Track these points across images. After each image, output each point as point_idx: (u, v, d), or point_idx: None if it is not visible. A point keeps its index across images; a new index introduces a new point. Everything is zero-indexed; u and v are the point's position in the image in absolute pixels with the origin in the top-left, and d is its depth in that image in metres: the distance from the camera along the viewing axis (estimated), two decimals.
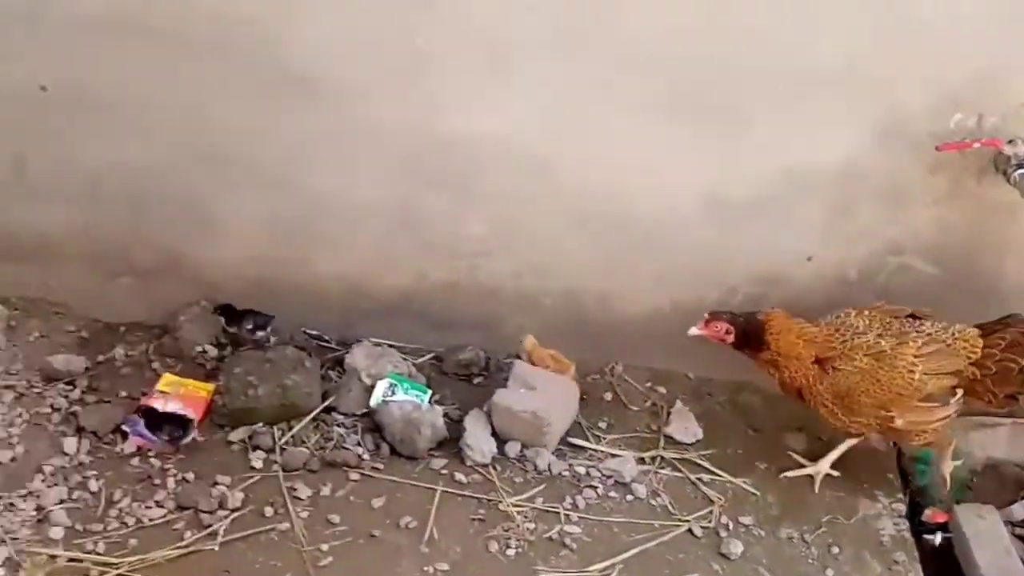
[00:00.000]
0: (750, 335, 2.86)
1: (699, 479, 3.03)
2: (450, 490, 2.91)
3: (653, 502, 2.96)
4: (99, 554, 2.61)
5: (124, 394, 3.14)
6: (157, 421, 2.98)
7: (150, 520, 2.72)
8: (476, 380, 3.35)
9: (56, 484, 2.79)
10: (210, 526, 2.71)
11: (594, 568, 2.75)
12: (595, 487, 2.98)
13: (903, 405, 2.81)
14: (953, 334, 2.82)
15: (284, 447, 3.00)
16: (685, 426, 3.20)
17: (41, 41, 2.96)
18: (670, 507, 2.94)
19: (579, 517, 2.88)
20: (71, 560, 2.58)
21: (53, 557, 2.58)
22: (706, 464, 3.09)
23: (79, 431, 2.96)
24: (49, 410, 3.04)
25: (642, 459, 3.09)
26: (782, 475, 3.08)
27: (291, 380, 3.09)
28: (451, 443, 3.06)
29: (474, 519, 2.84)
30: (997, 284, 3.19)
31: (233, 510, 2.77)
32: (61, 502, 2.74)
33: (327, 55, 2.92)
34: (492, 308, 3.36)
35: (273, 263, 3.35)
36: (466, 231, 3.23)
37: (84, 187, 3.21)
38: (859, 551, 2.91)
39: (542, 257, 3.27)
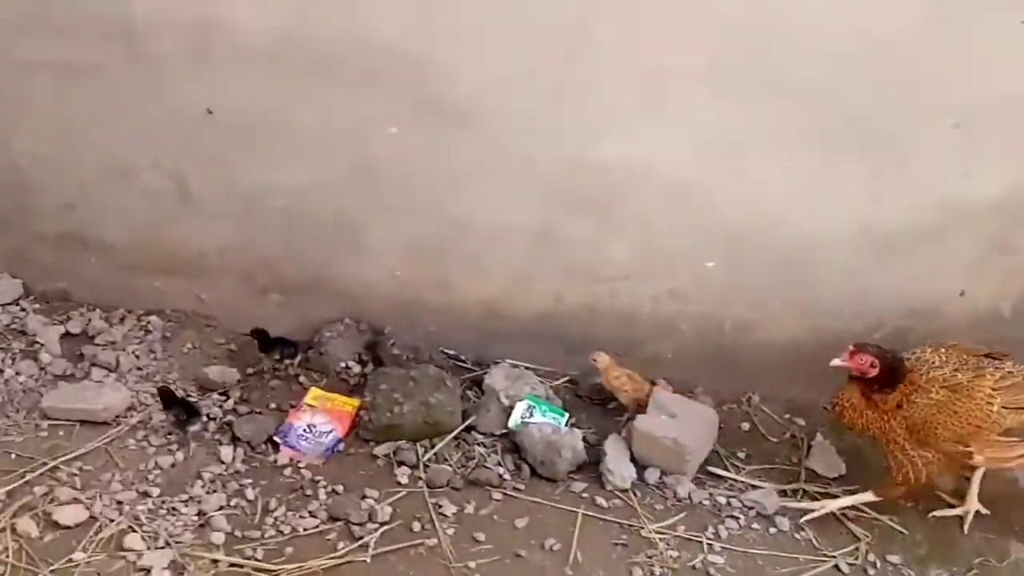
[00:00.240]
0: (894, 375, 2.79)
1: (844, 515, 2.97)
2: (591, 514, 2.93)
3: (797, 536, 2.91)
4: (258, 560, 2.70)
5: (274, 406, 3.26)
6: (172, 402, 3.11)
7: (304, 529, 2.81)
8: (611, 405, 3.36)
9: (215, 491, 2.91)
10: (361, 538, 2.78)
11: None
12: (737, 518, 2.95)
13: (982, 439, 2.74)
14: None
15: (427, 464, 3.06)
16: (827, 460, 3.15)
17: (209, 69, 3.12)
18: (815, 542, 2.90)
19: (722, 547, 2.86)
20: (232, 565, 2.68)
21: (215, 561, 2.69)
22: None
23: (234, 440, 3.08)
24: (205, 419, 3.17)
25: (784, 492, 3.05)
26: (931, 515, 3.00)
27: (434, 398, 3.15)
28: (590, 467, 3.08)
29: (616, 544, 2.85)
30: None
31: (382, 523, 2.84)
32: (220, 508, 2.85)
33: (481, 84, 3.00)
34: (628, 332, 3.37)
35: (415, 283, 3.44)
36: (607, 256, 3.26)
37: (241, 206, 3.36)
38: None
39: (681, 283, 3.27)
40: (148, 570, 2.63)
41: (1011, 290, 3.10)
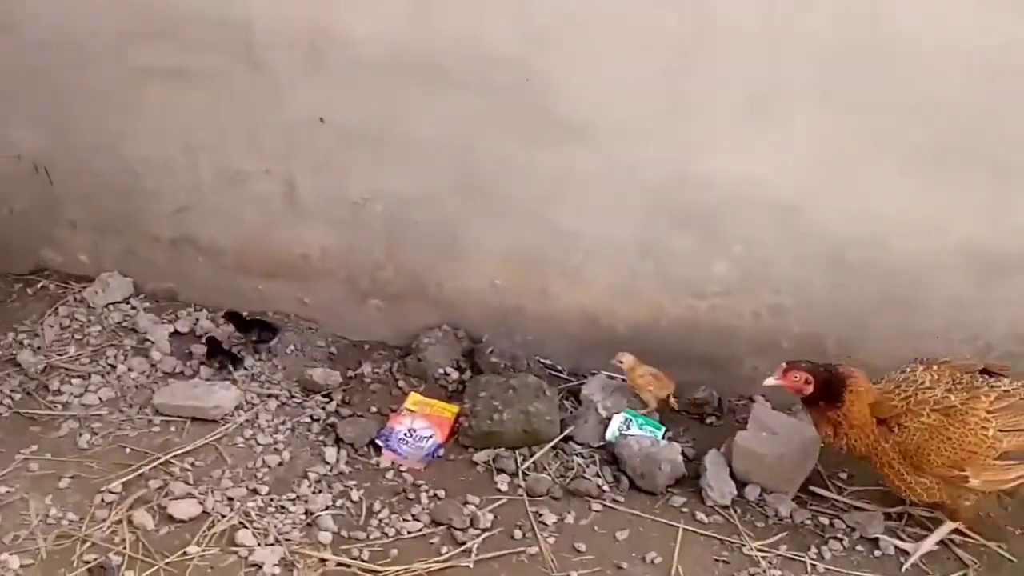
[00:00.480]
0: (830, 388, 2.71)
1: (951, 540, 2.91)
2: (692, 529, 2.92)
3: (903, 559, 2.86)
4: (364, 561, 2.75)
5: (375, 409, 3.32)
6: (247, 325, 3.46)
7: (408, 532, 2.85)
8: (708, 420, 3.35)
9: (321, 491, 2.97)
10: (464, 543, 2.82)
11: None
12: (840, 539, 2.91)
13: (977, 464, 2.62)
14: None
15: (526, 472, 3.08)
16: None
17: (323, 77, 3.20)
18: (921, 565, 2.85)
19: (826, 568, 2.82)
20: (339, 564, 2.74)
21: (323, 560, 2.75)
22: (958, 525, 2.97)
23: (338, 442, 3.15)
24: (309, 420, 3.26)
25: (888, 515, 3.00)
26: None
27: (534, 407, 3.18)
28: (688, 481, 3.08)
29: (718, 560, 2.83)
30: None
31: (484, 530, 2.87)
32: (327, 508, 2.91)
33: (591, 98, 3.03)
34: (728, 348, 3.36)
35: (514, 292, 3.47)
36: (709, 270, 3.25)
37: (347, 212, 3.44)
38: None
39: (783, 300, 3.25)
40: (259, 566, 2.70)
41: None
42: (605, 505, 2.99)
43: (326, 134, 3.30)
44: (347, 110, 3.25)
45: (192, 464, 3.03)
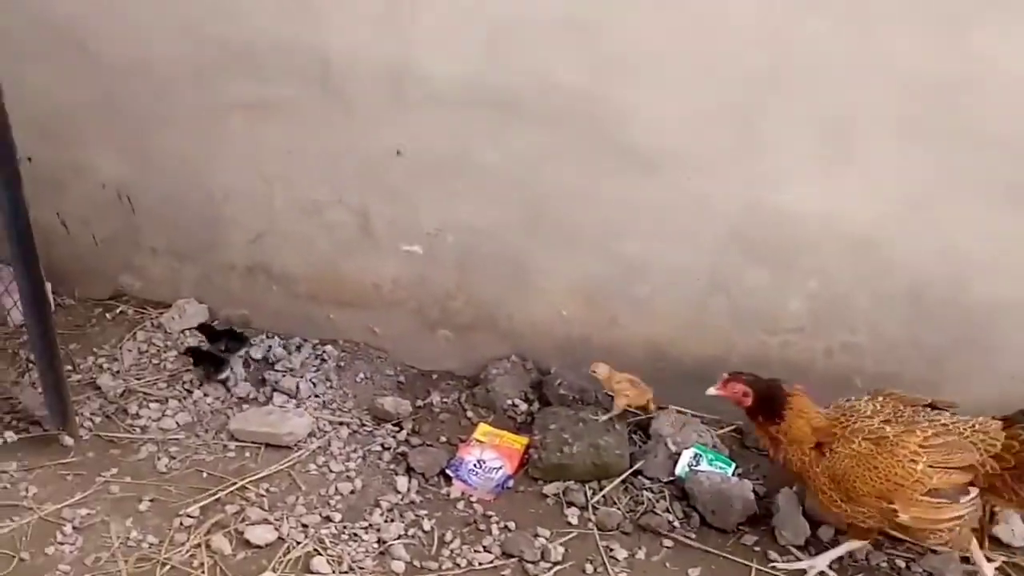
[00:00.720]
0: (770, 403, 2.72)
1: None
2: (765, 569, 2.88)
3: None
4: None
5: (444, 439, 3.35)
6: (216, 335, 3.55)
7: (480, 564, 2.86)
8: None
9: (393, 520, 2.99)
10: None
11: None
12: None
13: (905, 498, 2.58)
14: (973, 426, 2.60)
15: (596, 506, 3.07)
16: (1012, 528, 3.02)
17: (400, 111, 3.27)
18: None
19: None
20: None
21: None
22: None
23: (409, 471, 3.17)
24: (380, 448, 3.29)
25: (965, 559, 2.94)
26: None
27: (604, 441, 3.18)
28: (760, 519, 3.04)
29: None
30: None
31: (555, 563, 2.86)
32: (399, 537, 2.93)
33: (664, 130, 3.05)
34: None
35: (582, 323, 3.49)
36: (782, 306, 3.23)
37: (420, 243, 3.48)
38: None
39: (857, 338, 3.22)
40: None
41: None
42: (677, 541, 2.97)
43: (400, 166, 3.36)
44: (421, 142, 3.31)
45: (267, 490, 3.07)
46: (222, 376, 3.50)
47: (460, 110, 3.21)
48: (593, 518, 3.03)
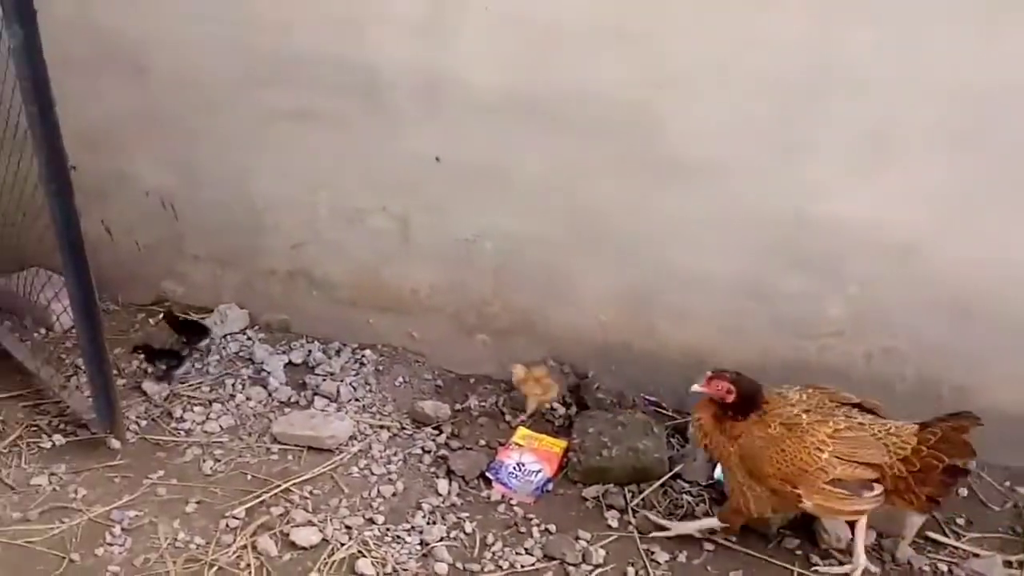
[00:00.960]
0: (749, 401, 2.76)
1: None
2: (807, 573, 2.89)
3: None
4: None
5: (483, 442, 3.38)
6: (152, 355, 3.56)
7: (522, 566, 2.88)
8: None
9: (435, 522, 3.02)
10: None
11: None
12: None
13: (809, 484, 2.65)
14: (889, 428, 2.66)
15: (636, 509, 3.09)
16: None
17: (440, 120, 3.32)
18: None
19: None
20: None
21: None
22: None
23: (449, 474, 3.21)
24: (420, 452, 3.32)
25: (1009, 562, 2.93)
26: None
27: (643, 444, 3.20)
28: (800, 522, 3.04)
29: None
30: None
31: (596, 566, 2.88)
32: (441, 539, 2.96)
33: (704, 138, 3.07)
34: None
35: (620, 329, 3.51)
36: (821, 311, 3.24)
37: (458, 249, 3.53)
38: None
39: (897, 343, 3.22)
40: None
41: None
42: (718, 544, 2.97)
43: (441, 173, 3.40)
44: (461, 150, 3.35)
45: (311, 492, 3.11)
46: (179, 371, 3.58)
47: (500, 118, 3.25)
48: (633, 521, 3.05)
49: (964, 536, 3.04)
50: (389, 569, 2.84)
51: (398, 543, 2.95)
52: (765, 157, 3.03)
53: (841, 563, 2.90)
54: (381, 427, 3.42)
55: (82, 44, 3.50)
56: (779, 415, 2.73)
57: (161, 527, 2.96)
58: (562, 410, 3.50)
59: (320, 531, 2.95)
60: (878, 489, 2.66)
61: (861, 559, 2.82)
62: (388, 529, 2.99)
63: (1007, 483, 3.23)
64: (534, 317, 3.58)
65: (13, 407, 3.42)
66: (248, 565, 2.84)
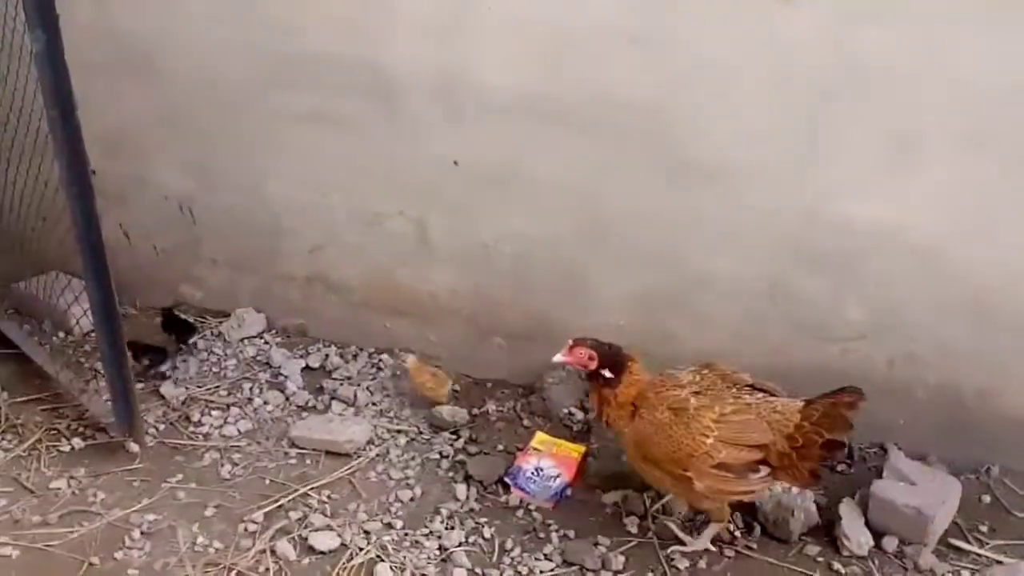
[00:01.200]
0: (614, 366, 2.81)
1: None
2: None
3: None
4: None
5: (501, 447, 3.37)
6: (138, 352, 3.46)
7: (541, 572, 2.87)
8: (839, 467, 3.29)
9: (454, 527, 3.01)
10: None
11: None
12: None
13: (698, 469, 2.69)
14: (775, 407, 2.68)
15: (655, 515, 3.07)
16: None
17: (457, 123, 3.31)
18: None
19: None
20: None
21: None
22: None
23: (467, 479, 3.20)
24: (438, 456, 3.32)
25: None
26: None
27: None
28: (821, 530, 3.02)
29: None
30: None
31: (616, 572, 2.87)
32: (460, 545, 2.95)
33: (724, 141, 3.05)
34: None
35: (638, 334, 3.46)
36: (841, 315, 3.21)
37: (476, 253, 3.52)
38: None
39: (919, 347, 3.18)
40: None
41: None
42: (738, 552, 2.95)
43: (458, 177, 3.40)
44: (479, 153, 3.34)
45: (329, 497, 3.11)
46: (163, 368, 3.59)
47: (518, 122, 3.24)
48: (653, 527, 3.03)
49: (987, 543, 3.00)
50: (408, 574, 2.84)
51: (417, 548, 2.94)
52: (782, 159, 3.01)
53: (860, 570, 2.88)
54: (399, 431, 3.42)
55: (101, 48, 3.51)
56: (667, 399, 2.76)
57: (180, 531, 2.96)
58: (580, 415, 3.49)
59: (339, 535, 2.94)
60: (764, 471, 2.71)
61: (701, 544, 2.91)
62: (406, 534, 2.98)
63: None
64: (552, 320, 3.57)
65: (32, 411, 3.43)
66: (267, 569, 2.84)
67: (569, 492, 3.17)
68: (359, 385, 3.60)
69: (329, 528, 2.97)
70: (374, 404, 3.54)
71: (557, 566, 2.89)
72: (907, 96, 2.82)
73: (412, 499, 3.13)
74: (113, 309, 3.00)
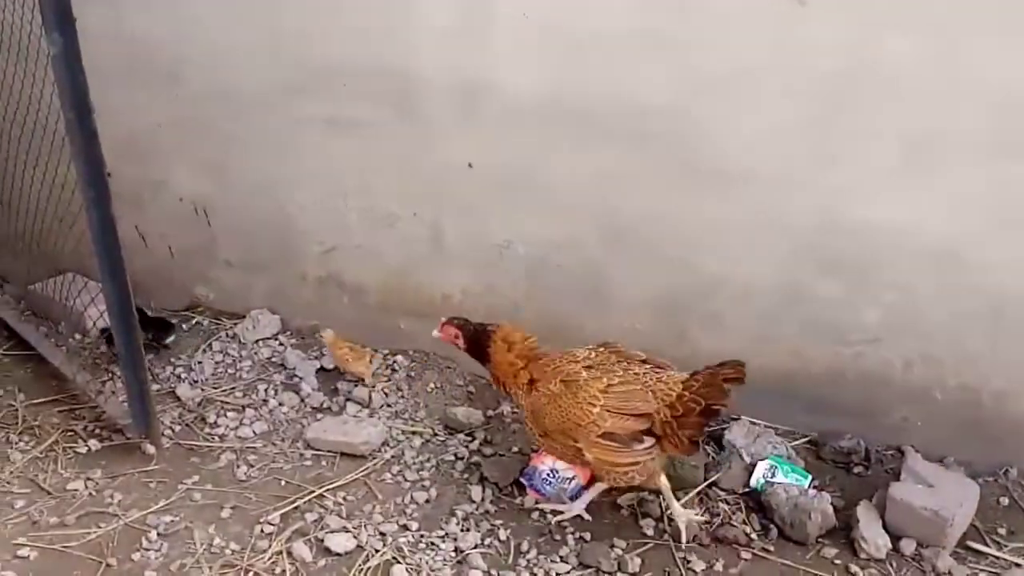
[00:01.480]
0: (477, 344, 2.97)
1: None
2: None
3: None
4: None
5: (516, 449, 3.36)
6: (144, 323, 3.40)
7: (557, 574, 2.86)
8: (855, 469, 3.28)
9: (469, 529, 3.01)
10: None
11: None
12: None
13: (585, 438, 2.79)
14: (661, 378, 2.79)
15: (671, 518, 3.06)
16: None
17: (474, 127, 3.32)
18: None
19: None
20: None
21: None
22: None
23: (482, 481, 3.19)
24: (453, 458, 3.32)
25: None
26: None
27: None
28: (838, 532, 3.01)
29: None
30: None
31: (632, 574, 2.86)
32: (476, 547, 2.94)
33: (741, 144, 3.05)
34: (876, 397, 3.29)
35: (653, 336, 3.46)
36: (857, 318, 3.20)
37: (489, 255, 3.52)
38: None
39: (937, 350, 3.17)
40: None
41: None
42: (755, 554, 2.94)
43: (473, 179, 3.40)
44: (494, 156, 3.35)
45: (344, 498, 3.11)
46: (167, 341, 3.69)
47: (534, 125, 3.25)
48: (669, 529, 3.02)
49: (1006, 546, 2.98)
50: None
51: (432, 550, 2.94)
52: (801, 163, 3.01)
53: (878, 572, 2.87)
54: (413, 433, 3.42)
55: (117, 53, 3.53)
56: (561, 372, 2.85)
57: (197, 532, 2.96)
58: None
59: (354, 537, 2.95)
60: (649, 441, 2.79)
61: (578, 506, 3.02)
62: (422, 536, 2.98)
63: None
64: (567, 323, 3.55)
65: (50, 412, 3.45)
66: (283, 571, 2.84)
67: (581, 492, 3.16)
68: (374, 387, 3.60)
69: (345, 530, 2.97)
70: (389, 406, 3.54)
71: (573, 568, 2.89)
72: (926, 99, 2.81)
73: (427, 501, 3.13)
74: (129, 311, 3.01)
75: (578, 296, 3.51)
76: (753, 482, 3.16)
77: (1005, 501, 3.15)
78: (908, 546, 2.95)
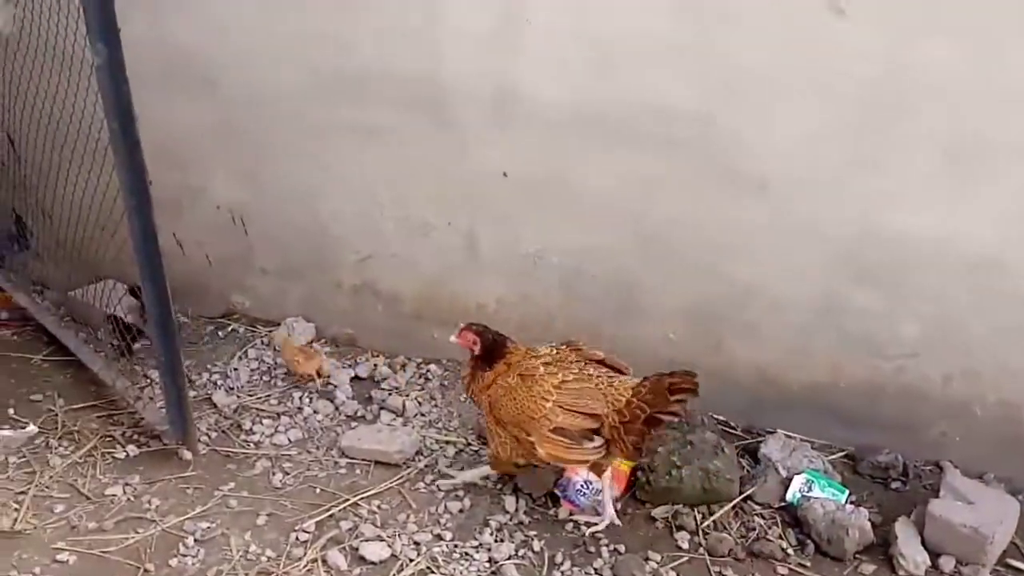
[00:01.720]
0: (491, 354, 2.98)
1: None
2: None
3: None
4: None
5: None
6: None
7: None
8: (893, 485, 3.24)
9: (503, 540, 3.00)
10: None
11: None
12: None
13: (537, 432, 2.83)
14: (612, 382, 2.81)
15: (706, 531, 3.05)
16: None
17: (507, 135, 3.32)
18: None
19: None
20: None
21: None
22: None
23: (516, 491, 3.19)
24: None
25: None
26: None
27: (713, 465, 3.15)
28: (876, 549, 2.98)
29: None
30: None
31: None
32: (510, 558, 2.94)
33: (775, 152, 3.04)
34: (914, 411, 3.25)
35: (687, 345, 3.46)
36: (895, 331, 3.17)
37: (524, 264, 3.52)
38: None
39: (978, 364, 3.13)
40: None
41: None
42: (791, 569, 2.92)
43: (507, 188, 3.40)
44: (528, 165, 3.35)
45: (379, 507, 3.12)
46: (136, 345, 3.72)
47: (567, 133, 3.25)
48: (704, 543, 3.00)
49: None
50: None
51: (466, 560, 2.94)
52: (835, 171, 2.99)
53: None
54: (447, 442, 3.43)
55: (155, 61, 3.56)
56: (520, 366, 2.91)
57: (233, 539, 2.98)
58: None
59: (389, 546, 2.95)
60: (599, 440, 2.82)
61: (609, 511, 3.02)
62: (456, 546, 2.98)
63: None
64: (600, 332, 3.54)
65: (88, 418, 3.49)
66: None
67: (619, 506, 3.14)
68: (407, 395, 3.62)
69: (379, 538, 2.98)
70: (422, 415, 3.55)
71: None
72: (968, 105, 2.79)
73: (461, 511, 3.13)
74: (169, 318, 3.04)
75: (612, 305, 3.50)
76: (789, 496, 3.14)
77: None
78: (947, 563, 2.91)
